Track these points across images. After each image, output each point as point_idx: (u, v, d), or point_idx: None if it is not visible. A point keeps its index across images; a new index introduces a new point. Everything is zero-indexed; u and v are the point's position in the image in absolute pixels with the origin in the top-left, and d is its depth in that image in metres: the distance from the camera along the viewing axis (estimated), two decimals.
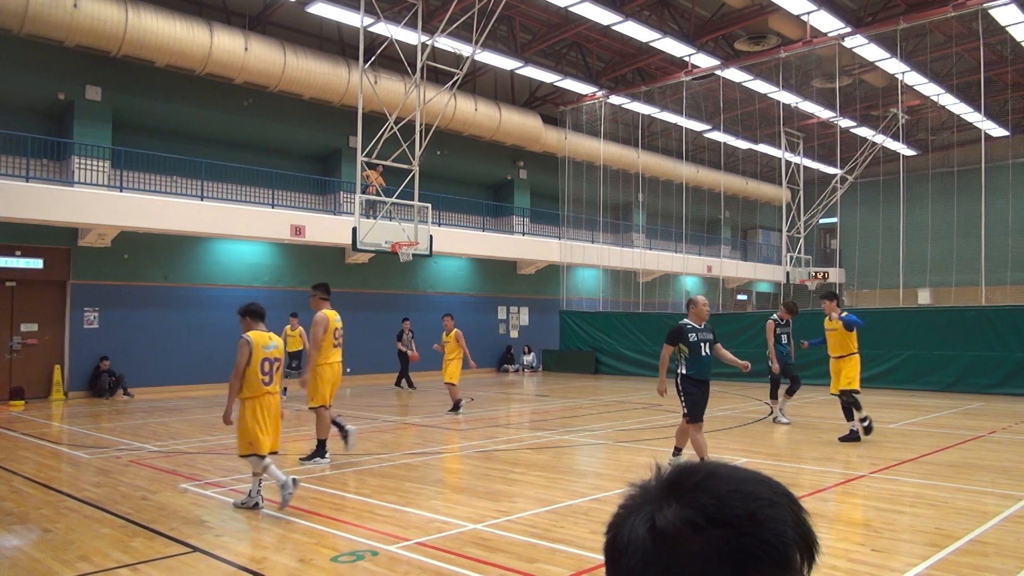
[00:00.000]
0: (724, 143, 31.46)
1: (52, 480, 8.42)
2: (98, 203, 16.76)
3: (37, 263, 17.30)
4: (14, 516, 6.84)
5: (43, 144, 17.57)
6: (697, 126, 29.82)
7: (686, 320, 8.41)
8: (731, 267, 34.55)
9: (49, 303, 17.66)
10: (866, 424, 10.70)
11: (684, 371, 8.29)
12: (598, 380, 22.91)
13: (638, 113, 28.59)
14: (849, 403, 10.71)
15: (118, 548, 5.80)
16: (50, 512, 6.95)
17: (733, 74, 24.90)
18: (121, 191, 17.60)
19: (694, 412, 8.24)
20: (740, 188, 36.02)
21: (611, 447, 10.53)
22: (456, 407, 14.33)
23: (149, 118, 19.62)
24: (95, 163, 17.85)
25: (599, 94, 26.40)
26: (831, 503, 7.26)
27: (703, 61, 23.87)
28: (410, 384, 20.06)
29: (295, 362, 16.32)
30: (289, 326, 16.57)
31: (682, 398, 8.29)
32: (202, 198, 18.74)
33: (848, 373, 10.74)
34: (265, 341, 7.21)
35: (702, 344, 8.30)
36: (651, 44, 22.91)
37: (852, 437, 10.57)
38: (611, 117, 28.05)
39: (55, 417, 14.35)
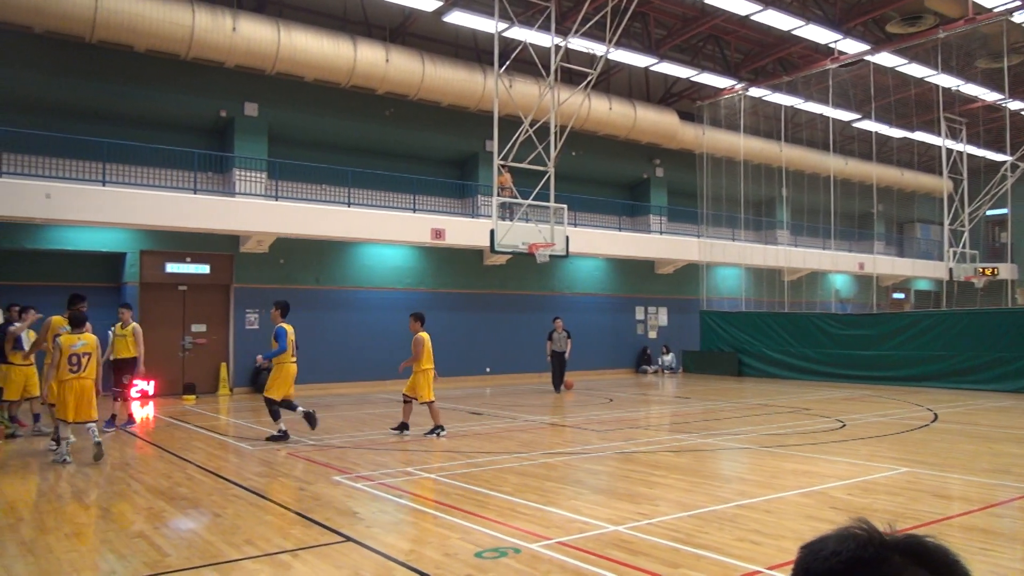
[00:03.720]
0: (875, 132, 29.66)
1: (221, 469, 9.10)
2: (256, 212, 17.97)
3: (204, 268, 18.76)
4: (188, 501, 7.45)
5: (208, 159, 19.03)
6: (845, 116, 28.32)
7: None
8: (886, 264, 32.52)
9: (215, 305, 19.10)
10: (283, 431, 11.09)
11: None
12: (741, 382, 22.20)
13: (780, 105, 27.47)
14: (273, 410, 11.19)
15: (279, 534, 6.19)
16: (219, 499, 7.52)
17: (885, 59, 23.42)
18: (276, 200, 18.77)
19: None
20: (894, 179, 33.89)
21: (756, 452, 10.17)
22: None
23: (300, 130, 20.81)
24: (253, 175, 19.12)
25: (738, 87, 25.59)
26: (1006, 519, 6.69)
27: (851, 47, 22.62)
28: (556, 387, 19.15)
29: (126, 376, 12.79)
30: (119, 324, 12.88)
31: None
32: (349, 205, 19.67)
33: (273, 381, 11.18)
34: (73, 341, 9.68)
35: None
36: (793, 32, 21.97)
37: (280, 437, 11.05)
38: (751, 110, 27.12)
39: (222, 411, 15.50)
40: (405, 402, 11.70)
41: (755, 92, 25.96)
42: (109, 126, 18.02)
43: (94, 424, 9.72)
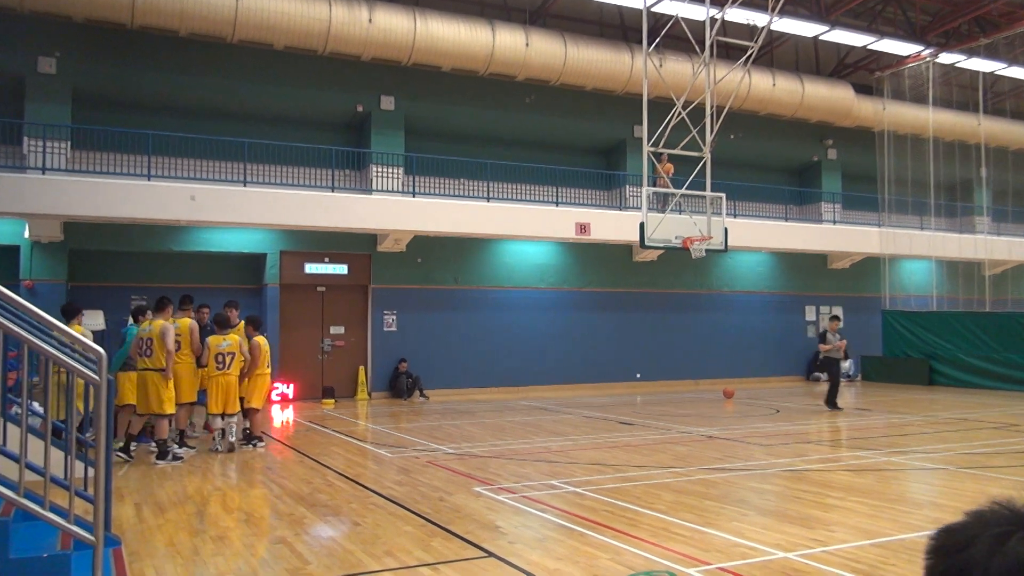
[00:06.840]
0: None
1: (360, 476, 9.48)
2: (394, 209, 18.63)
3: (342, 269, 19.66)
4: (328, 508, 7.80)
5: (345, 155, 19.91)
6: None
7: None
8: None
9: (353, 307, 19.97)
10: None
11: None
12: (932, 392, 20.80)
13: (978, 72, 25.51)
14: None
15: (419, 547, 6.36)
16: (358, 507, 7.83)
17: None
18: (413, 196, 19.38)
19: None
20: None
21: (952, 473, 9.47)
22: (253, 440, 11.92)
23: (437, 123, 21.36)
24: (390, 170, 19.82)
25: (925, 53, 23.96)
26: None
27: None
28: (834, 403, 16.39)
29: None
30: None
31: None
32: (488, 199, 20.01)
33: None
34: (219, 341, 11.10)
35: None
36: None
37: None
38: (942, 79, 25.32)
39: (360, 416, 16.18)
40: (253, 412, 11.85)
41: (946, 58, 24.23)
42: (249, 125, 19.22)
43: (234, 419, 11.24)
